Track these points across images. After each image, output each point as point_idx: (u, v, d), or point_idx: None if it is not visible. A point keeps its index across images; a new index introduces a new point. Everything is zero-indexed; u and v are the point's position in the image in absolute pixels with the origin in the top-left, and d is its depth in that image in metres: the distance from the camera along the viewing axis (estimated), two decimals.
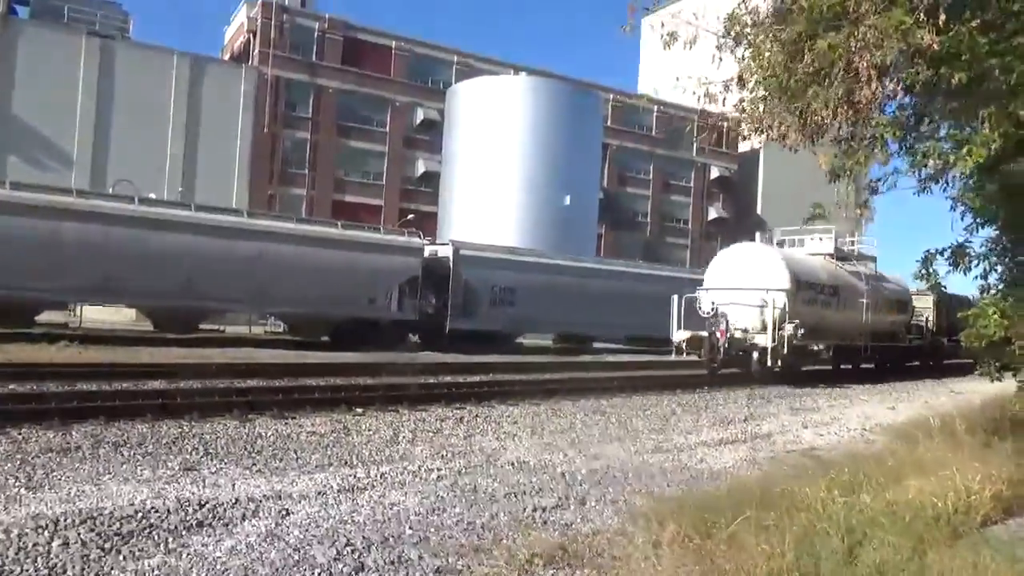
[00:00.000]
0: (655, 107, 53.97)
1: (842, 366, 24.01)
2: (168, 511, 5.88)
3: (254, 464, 7.83)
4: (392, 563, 5.26)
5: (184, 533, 5.52)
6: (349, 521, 6.10)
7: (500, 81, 44.06)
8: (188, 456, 7.95)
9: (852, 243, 25.97)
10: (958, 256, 7.67)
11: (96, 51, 38.73)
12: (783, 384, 19.97)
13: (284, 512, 6.19)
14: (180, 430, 9.23)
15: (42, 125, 37.29)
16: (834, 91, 5.39)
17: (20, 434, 8.47)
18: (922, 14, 4.97)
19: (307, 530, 5.78)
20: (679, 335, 21.61)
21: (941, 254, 7.83)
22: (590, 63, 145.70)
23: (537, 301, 28.73)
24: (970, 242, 7.77)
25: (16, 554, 4.86)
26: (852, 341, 23.57)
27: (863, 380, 22.55)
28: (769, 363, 19.76)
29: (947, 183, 7.21)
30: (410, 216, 41.31)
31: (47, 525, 5.38)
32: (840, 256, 24.52)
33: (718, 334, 20.20)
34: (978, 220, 7.64)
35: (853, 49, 5.11)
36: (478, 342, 26.56)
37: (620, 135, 52.93)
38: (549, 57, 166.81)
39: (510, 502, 7.05)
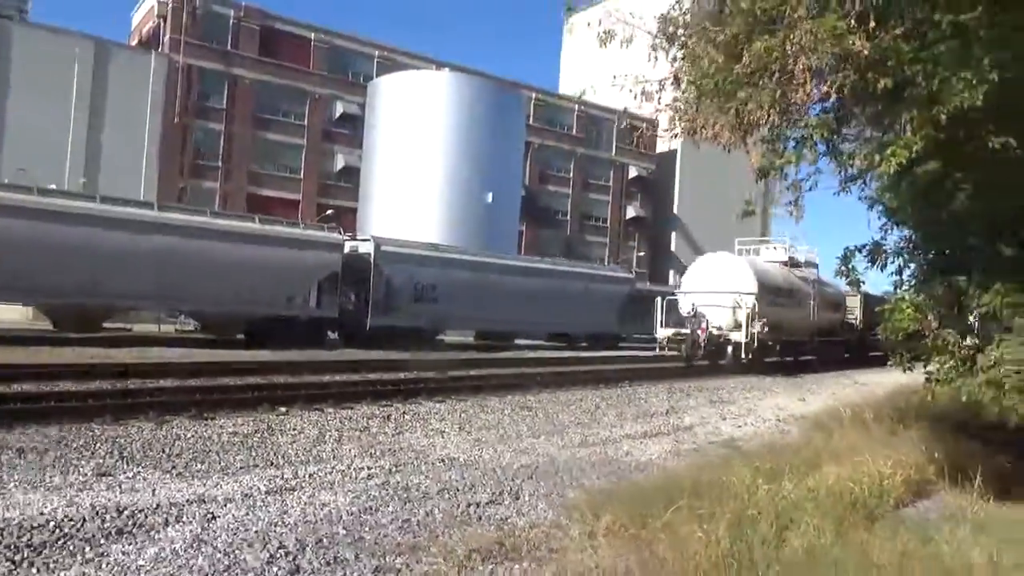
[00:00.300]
0: (576, 107, 54.66)
1: (787, 358, 26.87)
2: (83, 519, 5.55)
3: (174, 467, 7.50)
4: (328, 564, 5.13)
5: (103, 542, 5.23)
6: (280, 523, 5.91)
7: (423, 76, 43.65)
8: (101, 461, 7.53)
9: (790, 249, 29.26)
10: (875, 253, 8.12)
11: None
12: (750, 375, 22.42)
13: (210, 516, 5.94)
14: (91, 433, 8.71)
15: None
16: (769, 92, 5.58)
17: None
18: (852, 20, 5.20)
19: (236, 534, 5.57)
20: (662, 332, 24.60)
21: (860, 251, 8.26)
22: (512, 62, 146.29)
23: (459, 298, 28.65)
24: (886, 240, 8.26)
25: None
26: (802, 337, 27.16)
27: (775, 372, 23.65)
28: (742, 356, 22.86)
29: (865, 183, 7.60)
30: (329, 211, 40.47)
31: None
32: (793, 263, 28.28)
33: (699, 332, 22.99)
34: (892, 220, 8.10)
35: (789, 52, 5.30)
36: (400, 339, 26.29)
37: (542, 133, 53.35)
38: (471, 55, 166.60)
39: (444, 499, 7.00)
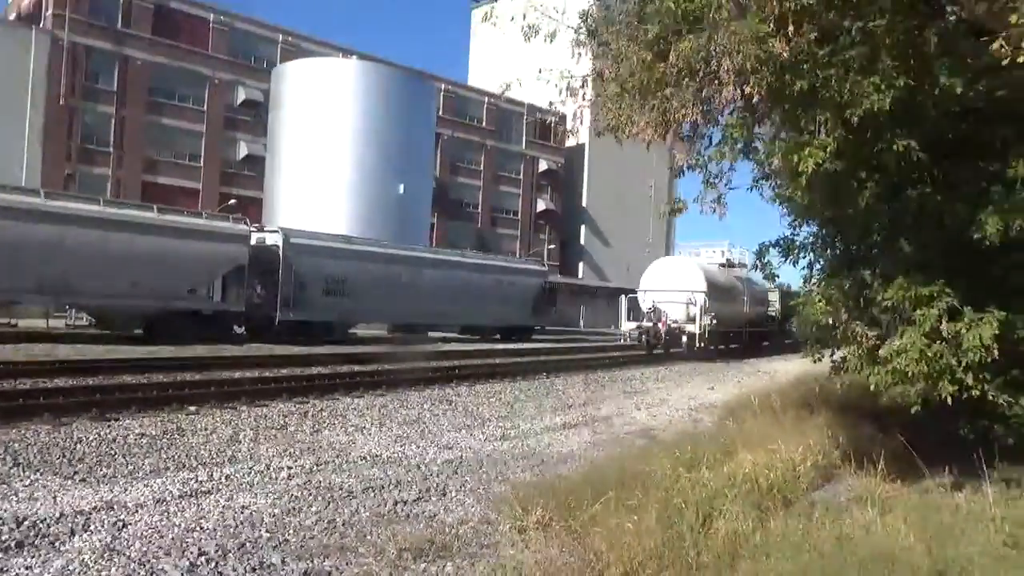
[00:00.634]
0: (486, 99, 54.61)
1: (720, 346, 30.99)
2: None
3: (76, 473, 7.03)
4: (254, 570, 4.93)
5: (1, 556, 4.84)
6: (197, 528, 5.65)
7: (330, 63, 42.49)
8: None
9: (727, 252, 34.49)
10: (788, 248, 8.49)
11: None
12: (702, 360, 25.64)
13: (120, 524, 5.61)
14: None
15: None
16: (693, 91, 5.72)
17: None
18: (772, 24, 5.38)
19: (151, 542, 5.28)
20: (627, 326, 28.71)
21: (774, 247, 8.62)
22: (421, 53, 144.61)
23: (371, 291, 28.13)
24: (796, 235, 8.64)
25: None
26: (737, 328, 32.35)
27: (688, 360, 24.79)
28: (696, 345, 27.31)
29: (776, 181, 7.93)
30: (232, 201, 38.84)
31: None
32: (730, 264, 33.53)
33: (659, 325, 27.37)
34: (800, 218, 8.49)
35: (714, 53, 5.44)
36: (309, 333, 25.61)
37: (452, 125, 53.01)
38: (379, 45, 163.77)
39: (369, 497, 6.86)
